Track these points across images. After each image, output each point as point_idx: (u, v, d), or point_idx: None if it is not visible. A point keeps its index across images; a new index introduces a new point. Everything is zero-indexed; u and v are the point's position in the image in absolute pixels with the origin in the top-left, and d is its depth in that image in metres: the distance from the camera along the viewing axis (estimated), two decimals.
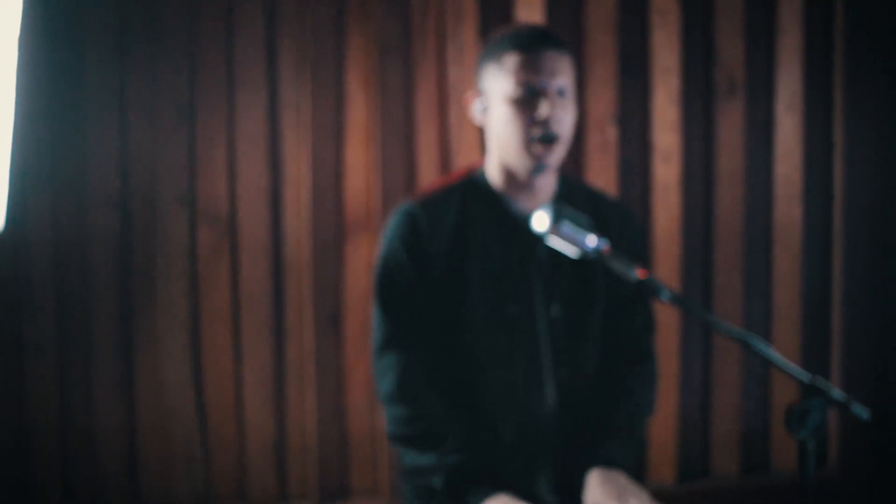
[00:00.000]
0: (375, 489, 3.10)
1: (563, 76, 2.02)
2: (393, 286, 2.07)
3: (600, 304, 2.10)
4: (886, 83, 3.23)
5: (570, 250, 1.83)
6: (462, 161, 3.06)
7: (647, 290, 1.77)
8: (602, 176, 3.11)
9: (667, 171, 3.15)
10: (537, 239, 2.03)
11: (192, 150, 2.98)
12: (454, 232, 2.06)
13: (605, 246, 1.82)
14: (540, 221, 1.83)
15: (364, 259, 3.06)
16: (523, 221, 2.06)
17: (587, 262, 1.94)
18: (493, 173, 2.10)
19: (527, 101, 2.00)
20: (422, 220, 2.06)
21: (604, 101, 3.11)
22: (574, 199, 2.11)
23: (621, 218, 2.14)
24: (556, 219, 1.80)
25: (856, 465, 3.25)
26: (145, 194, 2.95)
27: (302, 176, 3.02)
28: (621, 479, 1.97)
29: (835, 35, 3.18)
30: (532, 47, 2.00)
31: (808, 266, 3.23)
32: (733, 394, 3.21)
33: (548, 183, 2.09)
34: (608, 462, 2.00)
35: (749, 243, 3.21)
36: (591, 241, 1.81)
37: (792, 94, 3.18)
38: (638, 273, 1.78)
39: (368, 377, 3.07)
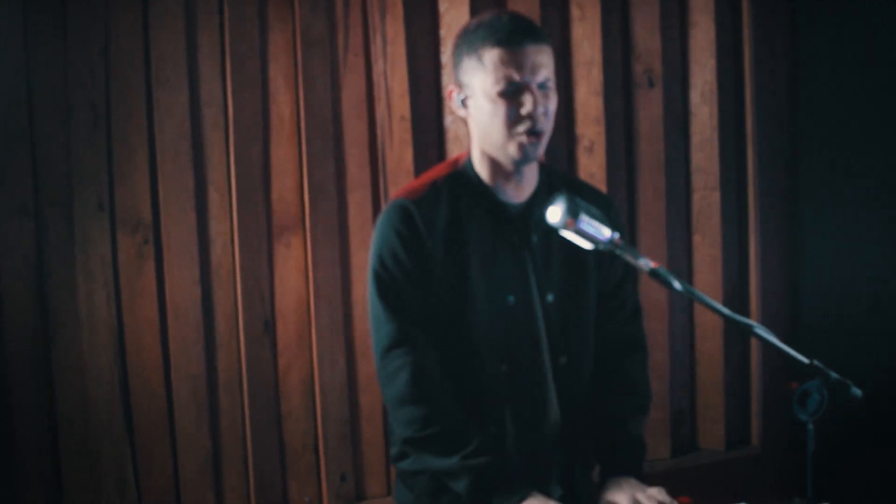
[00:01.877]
0: (315, 499, 3.03)
1: (545, 69, 2.02)
2: (395, 283, 2.04)
3: (592, 289, 2.14)
4: (791, 72, 3.39)
5: (582, 242, 1.84)
6: (392, 159, 3.04)
7: (659, 279, 1.80)
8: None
9: (591, 162, 3.21)
10: (527, 227, 2.04)
11: (109, 152, 2.85)
12: (448, 226, 2.06)
13: (617, 237, 1.84)
14: (554, 215, 1.83)
15: (296, 261, 2.99)
16: (513, 211, 2.06)
17: (575, 247, 1.96)
18: (479, 164, 2.10)
19: (509, 96, 2.00)
20: (416, 215, 2.05)
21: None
22: (556, 187, 2.13)
23: (603, 203, 2.17)
24: (573, 212, 1.81)
25: (774, 443, 3.40)
26: (61, 201, 2.81)
27: (227, 176, 2.93)
28: (636, 483, 2.00)
29: (744, 27, 3.31)
30: (512, 42, 2.00)
31: (727, 252, 3.35)
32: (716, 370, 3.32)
33: (531, 171, 2.12)
34: (621, 471, 2.03)
35: (670, 230, 3.30)
36: (606, 232, 1.83)
37: (706, 85, 3.29)
38: (650, 262, 1.80)
39: (304, 383, 3.00)
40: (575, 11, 3.19)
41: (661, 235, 3.29)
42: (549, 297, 2.08)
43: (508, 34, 2.00)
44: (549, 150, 3.16)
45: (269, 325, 2.97)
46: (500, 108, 2.00)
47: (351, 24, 3.01)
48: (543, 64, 2.02)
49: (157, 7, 2.86)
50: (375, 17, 3.02)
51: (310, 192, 2.98)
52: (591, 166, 3.22)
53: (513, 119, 2.00)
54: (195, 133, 2.92)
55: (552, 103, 2.04)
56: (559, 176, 2.22)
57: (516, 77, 1.98)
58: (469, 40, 2.05)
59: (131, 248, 2.87)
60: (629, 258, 1.83)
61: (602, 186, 3.21)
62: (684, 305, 3.35)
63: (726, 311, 1.82)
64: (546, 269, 2.08)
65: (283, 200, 2.99)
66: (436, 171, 2.15)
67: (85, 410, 2.83)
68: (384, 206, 2.18)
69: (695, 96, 3.31)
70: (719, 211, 3.33)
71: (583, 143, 3.21)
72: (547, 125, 2.03)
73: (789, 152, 3.42)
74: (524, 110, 1.99)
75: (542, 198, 2.09)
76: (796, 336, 3.42)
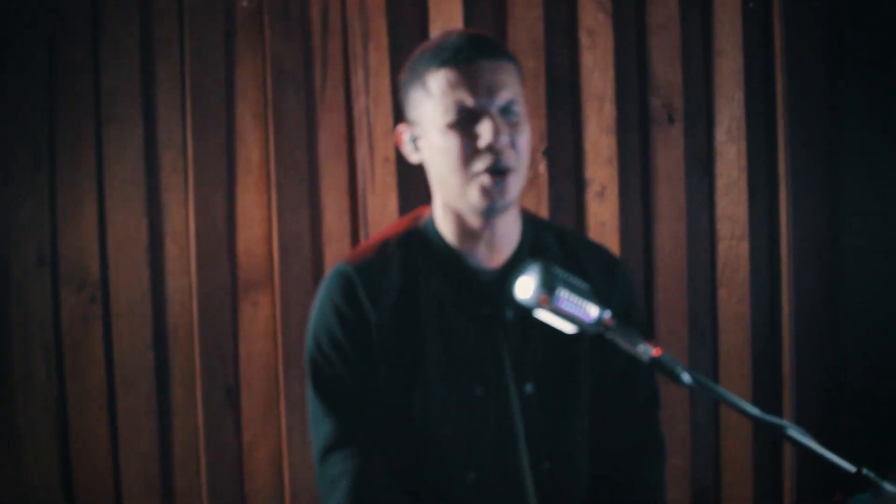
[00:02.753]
0: None
1: (506, 90, 1.66)
2: (333, 371, 1.70)
3: (586, 376, 1.76)
4: (829, 106, 3.03)
5: (562, 325, 1.48)
6: (375, 205, 2.70)
7: (663, 371, 1.44)
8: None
9: (602, 208, 2.87)
10: (502, 299, 1.69)
11: (53, 199, 2.55)
12: (399, 298, 1.71)
13: (607, 316, 1.48)
14: (524, 289, 1.46)
15: (263, 321, 2.67)
16: (484, 279, 1.71)
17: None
18: (442, 221, 1.75)
19: (462, 126, 1.64)
20: (358, 284, 1.71)
21: (532, 131, 2.77)
22: (545, 246, 1.78)
23: (606, 268, 1.81)
24: (548, 286, 1.44)
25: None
26: None
27: (187, 226, 2.62)
28: None
29: (775, 56, 2.96)
30: (460, 59, 1.65)
31: (757, 308, 2.98)
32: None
33: (508, 227, 1.74)
34: None
35: (693, 285, 2.94)
36: (592, 311, 1.46)
37: (733, 121, 2.94)
38: (651, 349, 1.45)
39: (272, 460, 2.67)
40: (584, 39, 2.84)
41: (681, 291, 2.93)
42: (528, 388, 1.72)
43: (454, 51, 1.66)
44: (556, 196, 2.86)
45: (233, 395, 2.65)
46: (453, 143, 1.64)
47: (329, 54, 2.69)
48: (504, 83, 1.66)
49: (109, 35, 2.57)
50: (357, 45, 2.69)
51: (280, 245, 2.66)
52: (603, 213, 2.87)
53: (468, 154, 1.63)
54: (151, 177, 2.61)
55: (523, 133, 1.68)
56: (549, 230, 1.84)
57: (469, 101, 1.63)
58: (413, 67, 1.71)
59: (76, 307, 2.56)
60: (623, 344, 1.47)
61: (614, 236, 2.86)
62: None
63: (753, 410, 1.46)
64: (525, 352, 1.72)
65: (250, 253, 2.67)
66: (391, 230, 1.81)
67: (19, 493, 2.53)
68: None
69: (720, 133, 2.95)
70: (748, 263, 2.95)
71: (593, 188, 2.87)
72: (516, 160, 1.66)
73: (827, 197, 3.04)
74: (482, 142, 1.63)
75: (523, 260, 1.73)
76: (835, 399, 3.05)
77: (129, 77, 2.57)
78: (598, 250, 1.86)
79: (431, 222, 1.76)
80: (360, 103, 2.69)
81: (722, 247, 2.97)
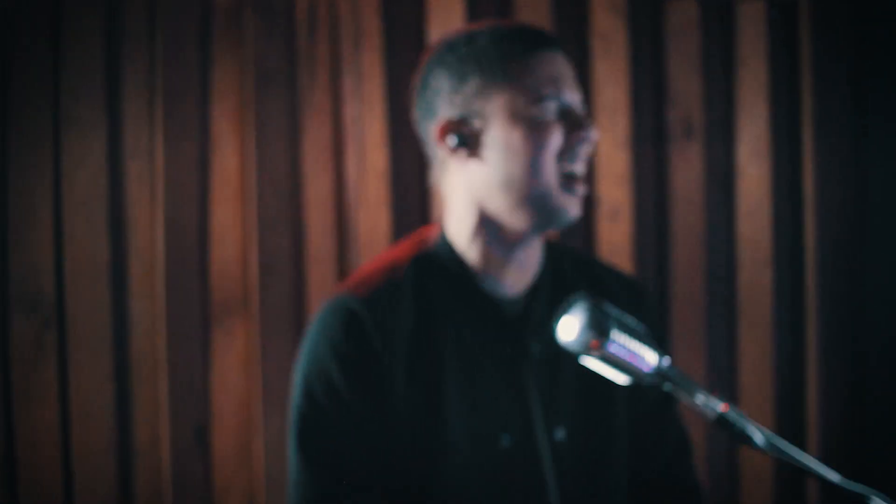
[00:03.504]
0: None
1: (580, 90, 1.54)
2: (327, 426, 1.44)
3: (620, 418, 1.54)
4: (857, 123, 2.81)
5: (612, 374, 1.22)
6: (364, 223, 2.45)
7: (730, 431, 1.20)
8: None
9: (614, 231, 2.63)
10: (526, 331, 1.44)
11: (3, 210, 2.28)
12: (413, 335, 1.46)
13: (667, 363, 1.23)
14: (569, 331, 1.21)
15: (238, 352, 2.41)
16: (507, 309, 1.48)
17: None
18: (467, 241, 1.52)
19: (551, 119, 1.47)
20: (367, 321, 1.45)
21: None
22: (565, 270, 1.58)
23: (636, 298, 1.61)
24: (600, 327, 1.19)
25: None
26: None
27: (154, 244, 2.35)
28: None
29: (801, 69, 2.74)
30: (546, 49, 1.50)
31: (780, 341, 2.75)
32: None
33: (538, 249, 1.55)
34: None
35: (711, 315, 2.71)
36: (650, 358, 1.21)
37: (756, 138, 2.72)
38: (718, 403, 1.20)
39: None
40: (597, 45, 2.62)
41: (697, 322, 2.70)
42: (560, 434, 1.49)
43: (537, 39, 1.51)
44: None
45: (203, 434, 2.38)
46: (541, 137, 1.45)
47: (317, 56, 2.45)
48: (577, 82, 1.54)
49: (71, 27, 2.30)
50: (347, 46, 2.45)
51: (259, 266, 2.40)
52: (615, 236, 2.63)
53: (557, 152, 1.46)
54: (114, 189, 2.34)
55: None
56: (566, 253, 1.64)
57: (561, 93, 1.47)
58: (475, 54, 1.50)
59: (28, 332, 2.28)
60: (685, 397, 1.23)
61: (627, 261, 2.62)
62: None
63: (834, 477, 1.24)
64: (554, 393, 1.50)
65: (225, 275, 2.41)
66: (395, 255, 1.56)
67: None
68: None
69: (743, 152, 2.72)
70: (771, 292, 2.73)
71: (604, 208, 2.63)
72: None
73: (856, 222, 2.82)
74: (587, 143, 1.48)
75: (545, 288, 1.54)
76: (863, 438, 2.82)
77: (92, 75, 2.31)
78: (620, 275, 1.67)
79: (446, 244, 1.54)
80: (349, 110, 2.45)
81: (743, 274, 2.74)
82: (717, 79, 2.71)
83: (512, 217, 1.48)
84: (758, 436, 1.20)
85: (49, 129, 2.30)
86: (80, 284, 2.32)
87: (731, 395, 2.75)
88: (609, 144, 2.62)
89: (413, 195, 2.52)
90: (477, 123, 1.49)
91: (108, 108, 2.33)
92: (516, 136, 1.46)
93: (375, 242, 2.46)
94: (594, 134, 1.49)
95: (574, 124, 1.47)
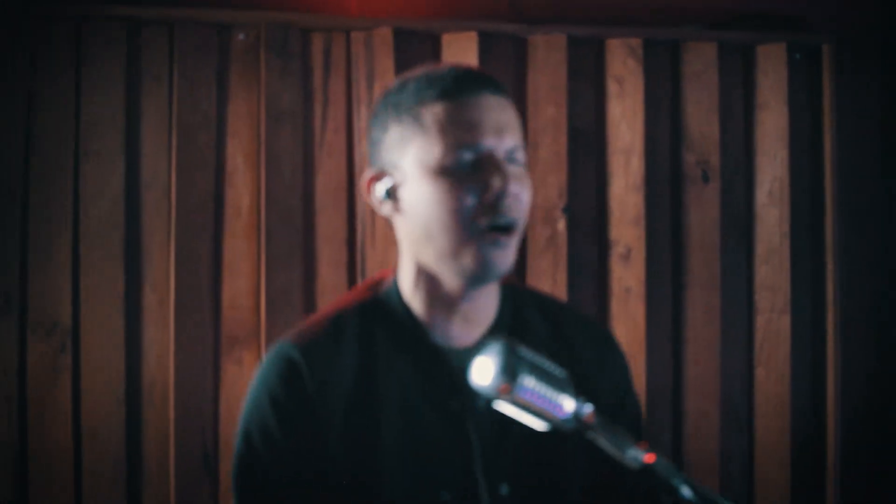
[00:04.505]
0: None
1: (512, 133, 1.43)
2: (264, 475, 1.43)
3: (574, 475, 1.49)
4: (882, 167, 2.75)
5: (528, 420, 1.22)
6: (374, 259, 2.48)
7: (656, 482, 1.18)
8: (548, 280, 2.56)
9: (627, 273, 2.61)
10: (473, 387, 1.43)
11: (23, 237, 2.38)
12: (354, 386, 1.44)
13: (587, 410, 1.22)
14: (482, 374, 1.20)
15: (247, 381, 2.43)
16: (454, 361, 1.45)
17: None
18: (410, 289, 1.48)
19: (466, 171, 1.39)
20: (304, 369, 1.43)
21: (550, 185, 2.57)
22: (525, 321, 1.52)
23: (598, 348, 1.55)
24: (509, 371, 1.18)
25: None
26: None
27: (168, 274, 2.43)
28: None
29: (823, 112, 2.70)
30: (464, 91, 1.41)
31: (798, 389, 2.69)
32: None
33: (489, 297, 1.49)
34: None
35: (727, 362, 2.66)
36: (567, 405, 1.20)
37: (775, 181, 2.68)
38: (642, 454, 1.18)
39: None
40: (612, 86, 2.62)
41: (714, 368, 2.65)
42: (503, 489, 1.45)
43: (456, 81, 1.42)
44: (576, 258, 2.61)
45: (211, 461, 2.42)
46: (453, 192, 1.39)
47: (331, 94, 2.50)
48: (510, 124, 1.43)
49: (93, 63, 2.41)
50: (361, 86, 2.50)
51: (269, 298, 2.45)
52: (628, 279, 2.61)
53: (472, 207, 1.38)
54: (130, 219, 2.43)
55: (527, 186, 1.44)
56: (532, 301, 1.57)
57: (477, 141, 1.39)
58: (396, 101, 1.46)
59: (44, 355, 2.38)
60: (607, 446, 1.21)
61: (640, 305, 2.60)
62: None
63: None
64: (500, 448, 1.45)
65: (236, 306, 2.46)
66: (344, 300, 1.54)
67: None
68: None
69: (761, 195, 2.69)
70: (789, 339, 2.68)
71: (617, 250, 2.62)
72: (521, 213, 1.42)
73: (879, 267, 2.75)
74: (491, 193, 1.39)
75: (500, 334, 1.47)
76: (886, 493, 2.72)
77: (112, 109, 2.41)
78: (589, 326, 1.60)
79: (395, 291, 1.50)
80: (362, 148, 2.49)
81: (760, 320, 2.69)
82: (735, 122, 2.68)
83: (441, 271, 1.44)
84: (685, 489, 1.18)
85: (70, 161, 2.39)
86: (94, 311, 2.40)
87: (748, 442, 2.69)
88: (623, 186, 2.61)
89: None
90: (397, 176, 1.45)
91: (127, 141, 2.42)
92: (426, 191, 1.41)
93: None
94: (514, 187, 1.39)
95: (492, 175, 1.37)
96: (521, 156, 1.44)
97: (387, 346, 1.46)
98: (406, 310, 1.47)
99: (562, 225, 2.58)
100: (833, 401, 2.69)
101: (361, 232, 2.49)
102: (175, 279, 2.41)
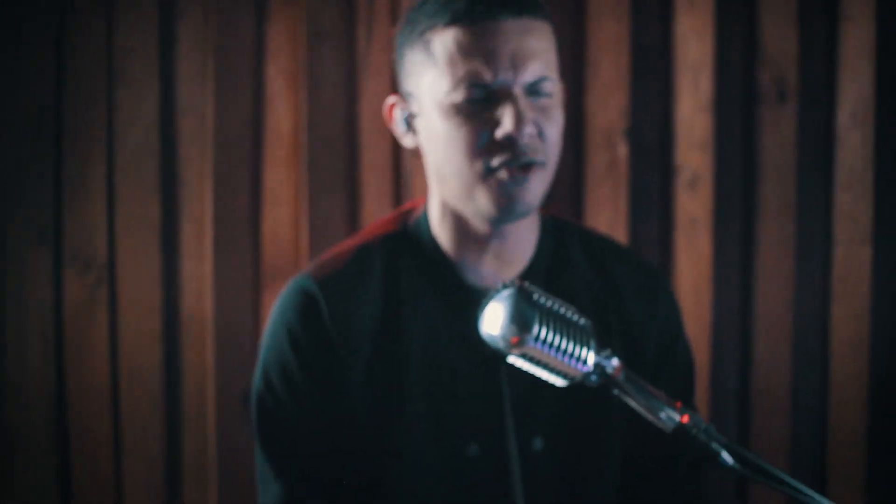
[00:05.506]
0: None
1: (536, 61, 1.28)
2: (285, 418, 1.36)
3: (615, 432, 1.38)
4: None
5: (546, 375, 1.08)
6: (422, 190, 2.34)
7: (692, 446, 1.05)
8: (607, 209, 2.41)
9: (693, 201, 2.45)
10: None
11: (57, 169, 2.29)
12: (378, 323, 1.35)
13: (614, 365, 1.08)
14: (491, 323, 1.07)
15: None
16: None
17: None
18: (438, 223, 1.37)
19: (476, 108, 1.27)
20: (323, 305, 1.35)
21: (611, 107, 2.41)
22: (567, 259, 1.40)
23: (647, 289, 1.43)
24: (520, 320, 1.04)
25: None
26: None
27: (204, 205, 2.32)
28: None
29: None
30: (477, 14, 1.27)
31: (878, 328, 2.51)
32: None
33: (524, 234, 1.38)
34: None
35: (801, 297, 2.50)
36: (588, 357, 1.06)
37: (859, 102, 2.48)
38: (677, 414, 1.05)
39: None
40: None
41: (786, 304, 2.49)
42: (537, 444, 1.35)
43: (471, 2, 1.27)
44: (638, 185, 2.45)
45: (250, 403, 2.34)
46: (461, 129, 1.27)
47: (376, 10, 2.35)
48: (535, 52, 1.28)
49: None
50: (406, 1, 2.34)
51: (311, 230, 2.34)
52: (695, 208, 2.45)
53: (481, 147, 1.27)
54: (166, 148, 2.32)
55: (554, 121, 1.30)
56: (576, 237, 1.44)
57: (486, 75, 1.26)
58: (411, 21, 1.33)
59: (80, 291, 2.30)
60: (637, 405, 1.08)
61: (707, 236, 2.44)
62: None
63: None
64: (534, 399, 1.35)
65: (277, 237, 2.36)
66: (371, 230, 1.44)
67: (13, 499, 2.28)
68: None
69: (843, 116, 2.49)
70: (870, 272, 2.49)
71: (683, 176, 2.45)
72: (545, 153, 1.29)
73: None
74: (501, 131, 1.26)
75: (537, 278, 1.37)
76: None
77: (146, 35, 2.29)
78: (641, 268, 1.47)
79: (425, 222, 1.39)
80: None
81: (839, 252, 2.51)
82: (816, 35, 2.47)
83: (458, 206, 1.33)
84: (725, 455, 1.05)
85: (103, 88, 2.29)
86: (131, 244, 2.32)
87: (822, 385, 2.54)
88: (690, 107, 2.44)
89: None
90: (414, 105, 1.34)
91: (161, 65, 2.30)
92: (438, 127, 1.29)
93: None
94: (530, 126, 1.25)
95: (504, 112, 1.25)
96: (549, 86, 1.30)
97: (414, 284, 1.37)
98: (435, 245, 1.38)
99: (623, 150, 2.42)
100: None
101: (409, 159, 2.36)
102: (213, 210, 2.32)
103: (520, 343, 1.04)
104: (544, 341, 1.04)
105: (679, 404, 1.06)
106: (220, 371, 2.33)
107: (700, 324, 2.41)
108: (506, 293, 1.06)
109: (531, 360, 1.05)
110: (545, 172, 1.30)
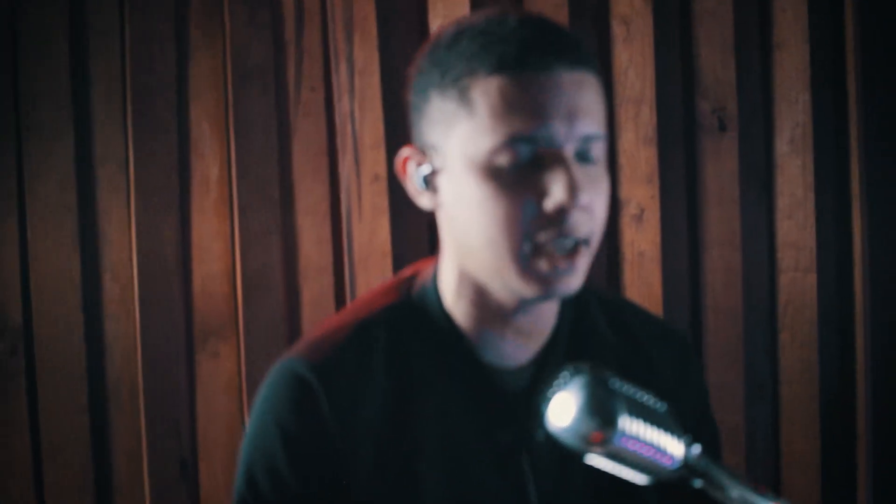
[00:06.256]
0: None
1: (590, 120, 1.12)
2: None
3: None
4: None
5: (624, 473, 0.97)
6: (362, 233, 2.23)
7: None
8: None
9: (640, 235, 2.39)
10: (529, 414, 1.17)
11: None
12: (384, 412, 1.18)
13: (695, 453, 0.97)
14: (562, 416, 0.94)
15: (225, 377, 2.21)
16: (507, 383, 1.20)
17: None
18: (453, 294, 1.21)
19: (522, 172, 1.10)
20: (321, 395, 1.17)
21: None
22: (591, 330, 1.27)
23: (676, 355, 1.31)
24: (603, 412, 0.91)
25: None
26: None
27: (129, 260, 2.16)
28: None
29: (847, 47, 2.48)
30: (530, 64, 1.10)
31: (826, 354, 2.50)
32: None
33: (550, 306, 1.23)
34: None
35: (749, 326, 2.47)
36: (675, 449, 0.96)
37: (797, 128, 2.46)
38: (761, 498, 0.95)
39: None
40: (617, 29, 2.37)
41: (735, 333, 2.45)
42: None
43: (522, 48, 1.10)
44: None
45: (188, 468, 2.19)
46: (502, 199, 1.10)
47: (305, 48, 2.23)
48: (589, 109, 1.12)
49: (30, 26, 2.10)
50: (339, 37, 2.23)
51: (245, 282, 2.19)
52: (641, 242, 2.39)
53: (527, 221, 1.10)
54: (84, 199, 2.15)
55: (603, 188, 1.16)
56: (594, 302, 1.30)
57: (539, 131, 1.09)
58: (442, 64, 1.15)
59: None
60: (721, 495, 0.97)
61: (655, 269, 2.38)
62: None
63: None
64: (561, 487, 1.22)
65: (209, 293, 2.21)
66: (369, 303, 1.27)
67: None
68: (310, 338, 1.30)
69: (782, 144, 2.47)
70: (815, 300, 2.47)
71: (629, 210, 2.39)
72: (592, 229, 1.15)
73: None
74: (552, 202, 1.10)
75: (558, 353, 1.23)
76: None
77: (55, 75, 2.12)
78: (662, 328, 1.35)
79: (434, 293, 1.22)
80: (343, 107, 2.22)
81: (784, 280, 2.49)
82: (752, 64, 2.45)
83: (488, 283, 1.17)
84: None
85: (11, 140, 2.11)
86: (48, 306, 2.13)
87: (773, 411, 2.51)
88: (633, 139, 2.38)
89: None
90: (437, 161, 1.16)
91: (75, 111, 2.13)
92: (470, 192, 1.11)
93: (374, 254, 2.24)
94: (585, 197, 1.09)
95: (555, 178, 1.07)
96: (598, 151, 1.15)
97: (424, 365, 1.20)
98: (448, 320, 1.21)
99: None
100: (863, 365, 2.51)
101: (346, 202, 2.23)
102: (137, 265, 2.14)
103: (605, 440, 0.91)
104: (633, 436, 0.91)
105: (764, 488, 0.96)
106: (155, 439, 2.16)
107: None
108: (578, 381, 0.93)
109: (615, 457, 0.93)
110: (590, 253, 1.15)
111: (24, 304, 2.12)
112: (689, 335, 1.34)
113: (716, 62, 2.42)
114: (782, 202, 2.48)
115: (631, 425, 0.92)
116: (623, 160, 2.39)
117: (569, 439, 0.93)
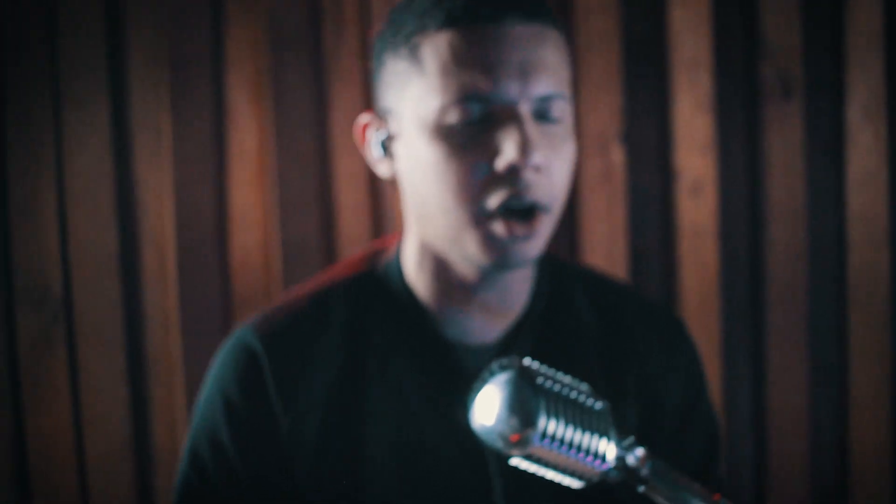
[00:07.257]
0: None
1: (548, 74, 1.07)
2: (207, 494, 1.15)
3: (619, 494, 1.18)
4: None
5: (555, 476, 0.90)
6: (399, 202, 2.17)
7: None
8: (604, 218, 2.25)
9: (697, 208, 2.29)
10: None
11: (4, 199, 2.10)
12: (334, 389, 1.14)
13: (637, 455, 0.90)
14: (485, 413, 0.88)
15: None
16: (472, 362, 1.14)
17: None
18: (415, 267, 1.17)
19: (472, 131, 1.05)
20: (266, 367, 1.14)
21: (604, 110, 2.25)
22: (569, 306, 1.20)
23: (665, 342, 1.23)
24: (526, 413, 0.84)
25: None
26: None
27: (166, 231, 2.15)
28: None
29: None
30: (480, 17, 1.04)
31: None
32: None
33: (520, 278, 1.17)
34: None
35: (816, 304, 2.34)
36: (608, 451, 0.88)
37: (870, 95, 2.32)
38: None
39: None
40: None
41: (801, 314, 2.34)
42: None
43: (472, 0, 1.05)
44: (637, 193, 2.28)
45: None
46: (453, 159, 1.05)
47: (345, 12, 2.19)
48: (547, 65, 1.06)
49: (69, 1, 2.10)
50: (376, 6, 2.17)
51: (284, 252, 2.17)
52: (698, 215, 2.29)
53: (477, 181, 1.05)
54: (121, 172, 2.14)
55: (564, 150, 1.09)
56: (579, 282, 1.23)
57: (490, 88, 1.04)
58: (396, 23, 1.12)
59: (34, 329, 2.12)
60: (664, 497, 0.89)
61: (713, 244, 2.28)
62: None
63: None
64: (528, 485, 1.13)
65: (246, 264, 2.19)
66: (333, 275, 1.23)
67: None
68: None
69: (853, 111, 2.33)
70: (888, 278, 2.34)
71: (684, 182, 2.29)
72: (550, 193, 1.08)
73: None
74: (502, 160, 1.05)
75: (529, 331, 1.17)
76: None
77: (91, 47, 2.11)
78: (655, 314, 1.27)
79: (397, 266, 1.18)
80: None
81: (854, 257, 2.35)
82: (821, 24, 2.31)
83: (444, 252, 1.12)
84: None
85: (48, 111, 2.11)
86: (88, 277, 2.14)
87: (840, 396, 2.38)
88: (689, 107, 2.28)
89: None
90: (393, 125, 1.11)
91: (111, 82, 2.12)
92: (422, 154, 1.07)
93: None
94: (538, 156, 1.02)
95: (507, 136, 1.02)
96: (559, 109, 1.08)
97: (382, 340, 1.16)
98: (409, 293, 1.17)
99: (618, 155, 2.25)
100: None
101: None
102: (175, 235, 2.14)
103: (522, 442, 0.84)
104: (553, 438, 0.84)
105: (718, 497, 0.87)
106: (192, 409, 2.16)
107: (709, 340, 2.24)
108: (503, 377, 0.86)
109: (538, 461, 0.86)
110: (550, 219, 1.09)
111: (65, 275, 2.14)
112: (686, 325, 1.22)
113: (780, 22, 2.29)
114: (853, 174, 2.34)
115: (554, 426, 0.84)
116: (678, 128, 2.28)
117: (490, 440, 0.87)
